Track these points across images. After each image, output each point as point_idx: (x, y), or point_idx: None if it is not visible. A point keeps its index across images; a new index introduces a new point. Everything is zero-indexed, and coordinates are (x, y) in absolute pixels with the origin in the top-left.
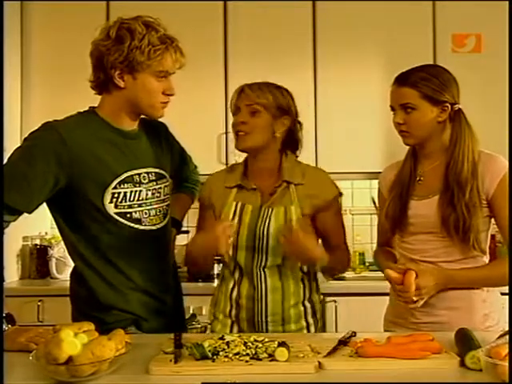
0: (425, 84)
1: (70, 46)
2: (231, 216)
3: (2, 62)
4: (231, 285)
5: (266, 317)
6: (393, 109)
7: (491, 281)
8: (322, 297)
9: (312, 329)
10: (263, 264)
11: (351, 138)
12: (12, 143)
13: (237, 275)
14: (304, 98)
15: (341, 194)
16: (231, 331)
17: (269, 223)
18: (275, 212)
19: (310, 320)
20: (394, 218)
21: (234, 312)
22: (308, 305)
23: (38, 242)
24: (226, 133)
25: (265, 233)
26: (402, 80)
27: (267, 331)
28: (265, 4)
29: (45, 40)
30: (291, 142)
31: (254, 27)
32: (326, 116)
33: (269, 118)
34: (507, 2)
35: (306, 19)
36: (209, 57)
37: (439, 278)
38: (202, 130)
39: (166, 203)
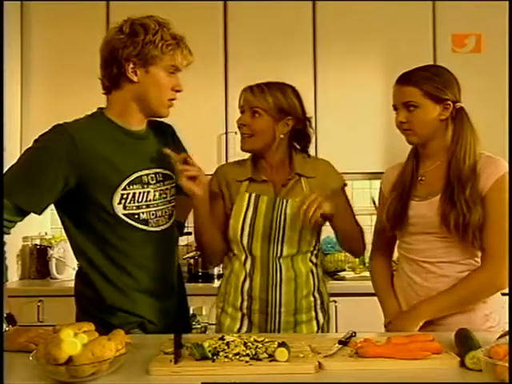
0: (427, 82)
1: (70, 45)
2: (245, 207)
3: (2, 61)
4: (242, 277)
5: (280, 307)
6: (395, 108)
7: (469, 297)
8: (327, 289)
9: (321, 319)
10: (279, 254)
11: (351, 139)
12: (12, 143)
13: (248, 266)
14: (304, 99)
15: (345, 184)
16: (241, 325)
17: (285, 213)
18: (291, 202)
19: (319, 311)
20: (394, 217)
21: (245, 304)
22: (317, 296)
23: (38, 242)
24: (226, 133)
25: (281, 223)
26: (405, 79)
27: (280, 322)
28: (265, 4)
29: (45, 40)
30: (300, 139)
31: (254, 27)
32: (326, 116)
33: (269, 121)
34: (507, 2)
35: (306, 19)
36: (209, 57)
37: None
38: (202, 129)
39: (171, 204)
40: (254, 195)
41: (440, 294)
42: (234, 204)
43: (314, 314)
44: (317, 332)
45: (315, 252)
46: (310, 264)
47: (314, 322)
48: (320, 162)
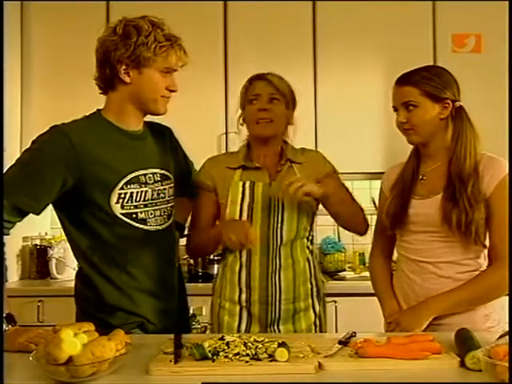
0: (425, 82)
1: (70, 46)
2: (240, 195)
3: (2, 62)
4: (237, 268)
5: (280, 294)
6: (395, 109)
7: (480, 296)
8: (323, 277)
9: (317, 306)
10: (279, 242)
11: (351, 139)
12: (12, 143)
13: (244, 257)
14: (304, 99)
15: (335, 171)
16: (240, 319)
17: (282, 198)
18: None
19: (315, 298)
20: (394, 215)
21: (243, 296)
22: (313, 282)
23: (38, 242)
24: (226, 133)
25: (279, 208)
26: (403, 80)
27: (280, 311)
28: (265, 4)
29: (45, 40)
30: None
31: (254, 27)
32: (325, 116)
33: (284, 108)
34: (507, 2)
35: (306, 19)
36: (209, 57)
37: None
38: (202, 130)
39: (170, 204)
40: (248, 183)
41: (450, 290)
42: (228, 193)
43: (310, 301)
44: (314, 321)
45: (310, 238)
46: (307, 251)
47: (311, 311)
48: (309, 151)
